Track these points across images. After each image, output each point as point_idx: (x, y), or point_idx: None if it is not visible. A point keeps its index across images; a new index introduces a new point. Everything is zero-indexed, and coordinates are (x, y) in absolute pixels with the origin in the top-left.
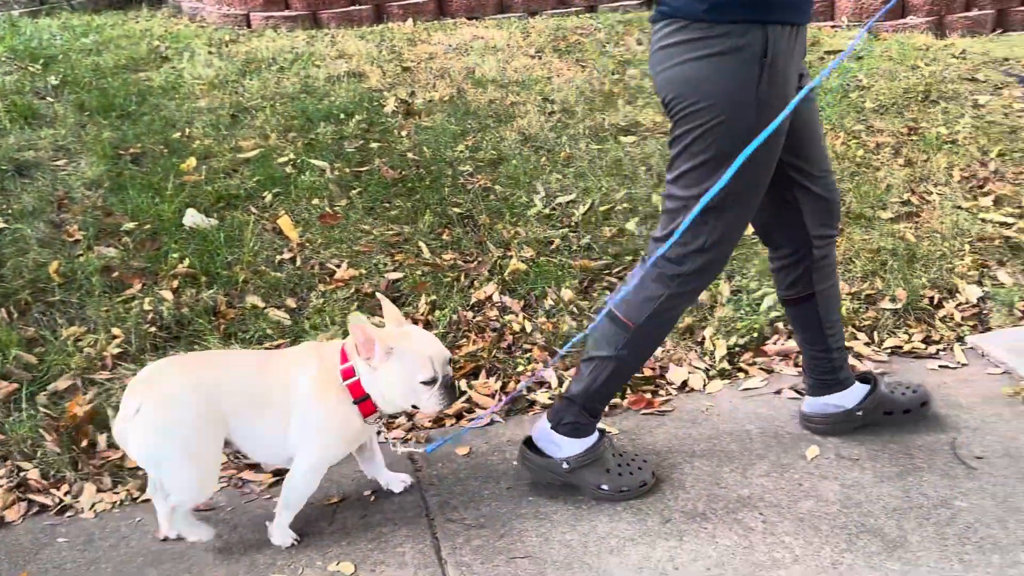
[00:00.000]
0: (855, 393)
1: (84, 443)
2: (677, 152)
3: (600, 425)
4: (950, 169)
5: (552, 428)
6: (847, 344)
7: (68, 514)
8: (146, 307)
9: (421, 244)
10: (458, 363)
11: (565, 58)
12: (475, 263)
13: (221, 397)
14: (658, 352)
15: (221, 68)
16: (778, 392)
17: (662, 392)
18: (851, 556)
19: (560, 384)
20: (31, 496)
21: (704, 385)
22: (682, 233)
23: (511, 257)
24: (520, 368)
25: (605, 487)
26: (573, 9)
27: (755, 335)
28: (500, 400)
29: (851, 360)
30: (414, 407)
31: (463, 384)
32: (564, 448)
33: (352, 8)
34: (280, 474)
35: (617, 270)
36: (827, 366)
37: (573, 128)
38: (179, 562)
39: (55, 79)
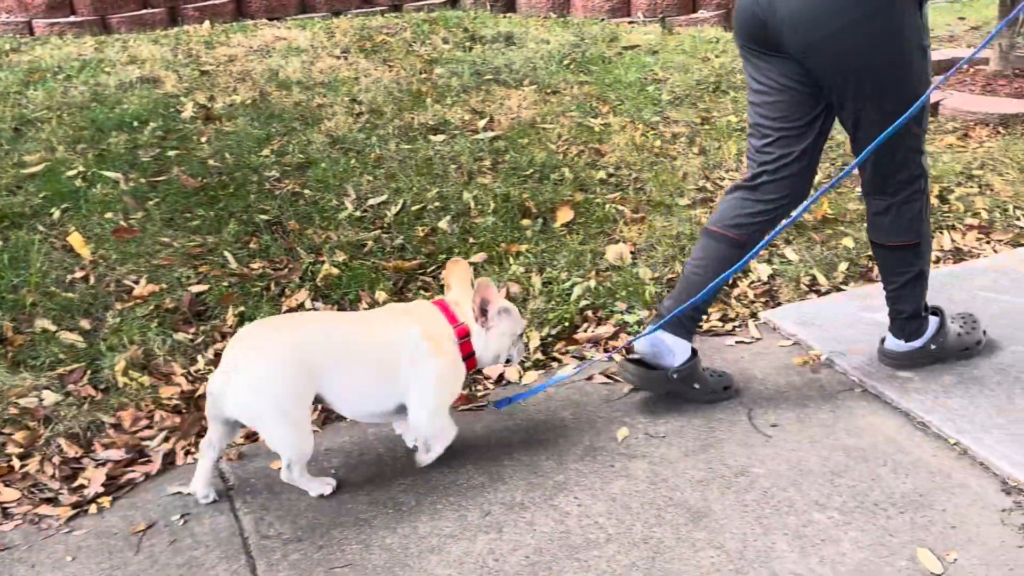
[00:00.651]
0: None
1: None
2: (851, 112)
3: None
4: (740, 155)
5: (907, 341)
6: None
7: None
8: None
9: (227, 254)
10: None
11: (372, 58)
12: (285, 270)
13: (314, 354)
14: None
15: (1, 79)
16: (589, 379)
17: (479, 387)
18: (660, 530)
19: (520, 379)
20: None
21: (520, 377)
22: (904, 163)
23: (323, 262)
24: None
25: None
26: (378, 8)
27: (566, 324)
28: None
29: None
30: (507, 361)
31: None
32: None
33: (144, 11)
34: (77, 506)
35: (431, 269)
36: None
37: (382, 129)
38: None
39: None
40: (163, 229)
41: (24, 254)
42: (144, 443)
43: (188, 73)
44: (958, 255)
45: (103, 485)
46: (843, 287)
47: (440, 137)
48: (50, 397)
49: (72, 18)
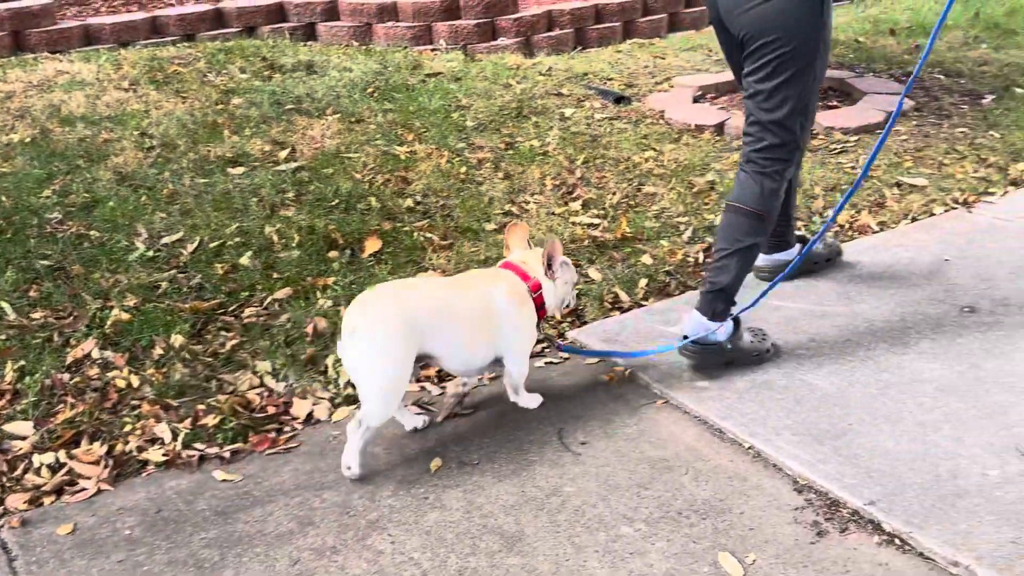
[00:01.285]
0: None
1: None
2: (760, 76)
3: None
4: (543, 179)
5: (710, 320)
6: None
7: None
8: None
9: (3, 304)
10: (55, 432)
11: (163, 89)
12: (70, 319)
13: (421, 316)
14: (280, 387)
15: None
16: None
17: (287, 428)
18: (475, 559)
19: (175, 438)
20: None
21: (330, 414)
22: (780, 132)
23: (111, 308)
24: (128, 428)
25: (755, 353)
26: (169, 39)
27: None
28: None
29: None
30: (566, 306)
31: (62, 455)
32: (721, 332)
33: None
34: None
35: (233, 308)
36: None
37: (176, 163)
38: None
39: None
40: None
41: None
42: None
43: None
44: None
45: None
46: (643, 303)
47: (239, 169)
48: None
49: None
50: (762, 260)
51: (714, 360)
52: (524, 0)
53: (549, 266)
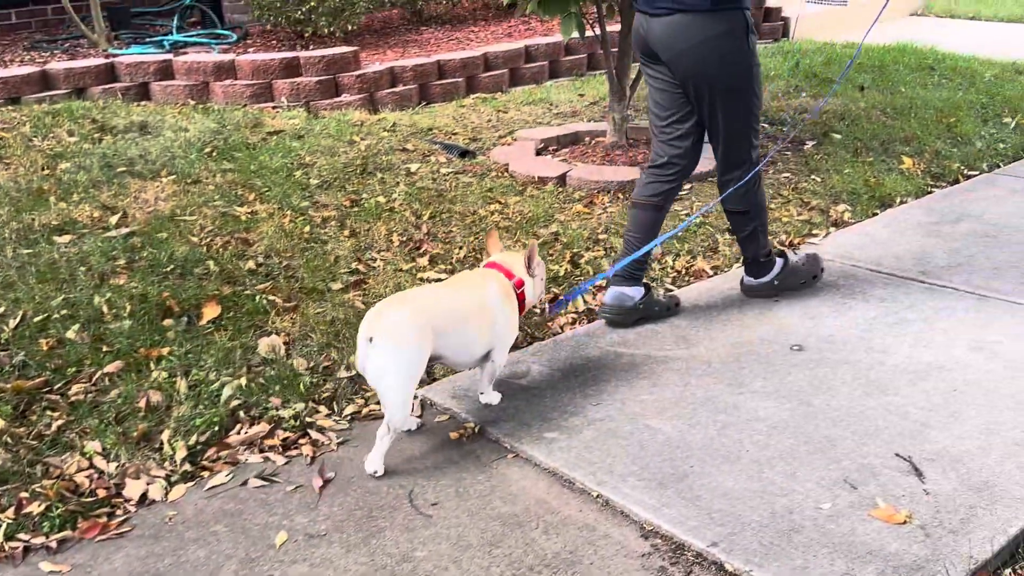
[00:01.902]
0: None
1: None
2: (711, 110)
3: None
4: (390, 235)
5: (758, 277)
6: (310, 419)
7: None
8: None
9: None
10: None
11: None
12: None
13: (434, 320)
14: (111, 468)
15: None
16: (244, 484)
17: (119, 512)
18: None
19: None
20: None
21: (166, 494)
22: (739, 150)
23: None
24: None
25: (803, 281)
26: None
27: (216, 429)
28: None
29: (314, 435)
30: (540, 300)
31: None
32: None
33: None
34: None
35: (59, 385)
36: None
37: None
38: None
39: None
40: None
41: None
42: None
43: None
44: (591, 315)
45: None
46: None
47: (66, 238)
48: None
49: None
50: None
51: (766, 293)
52: (367, 56)
53: (529, 264)
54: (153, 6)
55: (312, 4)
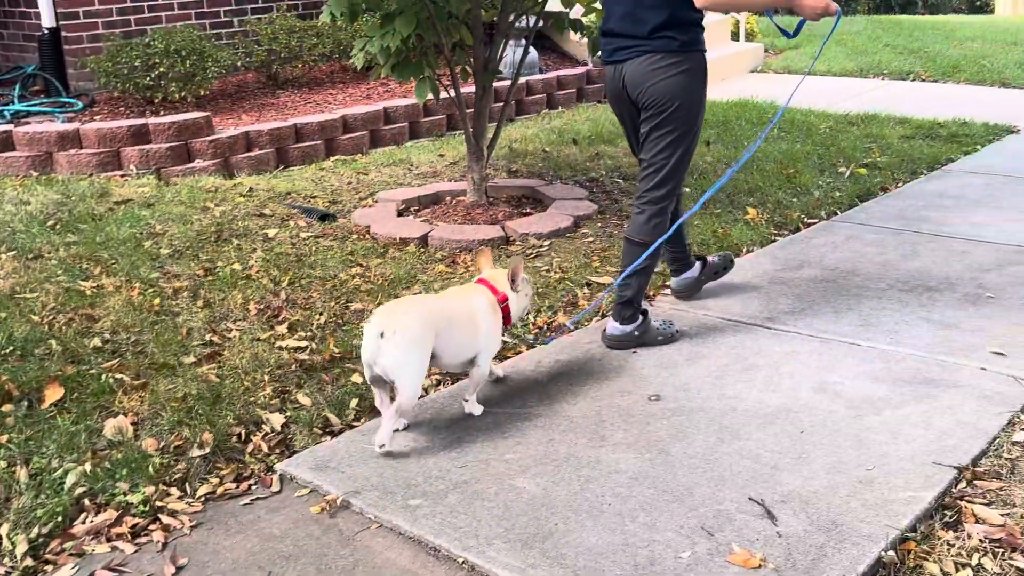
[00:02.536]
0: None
1: None
2: (659, 133)
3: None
4: (246, 304)
5: (624, 324)
6: (161, 503)
7: None
8: None
9: None
10: None
11: None
12: None
13: (436, 320)
14: None
15: None
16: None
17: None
18: None
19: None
20: None
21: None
22: (663, 180)
23: None
24: None
25: (661, 338)
26: None
27: (60, 519)
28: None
29: (165, 519)
30: (526, 313)
31: None
32: (636, 322)
33: None
34: None
35: None
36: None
37: None
38: None
39: None
40: None
41: None
42: None
43: None
44: (455, 376)
45: None
46: (355, 424)
47: None
48: None
49: None
50: (674, 283)
51: (628, 344)
52: (221, 121)
53: (513, 281)
54: None
55: (162, 70)
